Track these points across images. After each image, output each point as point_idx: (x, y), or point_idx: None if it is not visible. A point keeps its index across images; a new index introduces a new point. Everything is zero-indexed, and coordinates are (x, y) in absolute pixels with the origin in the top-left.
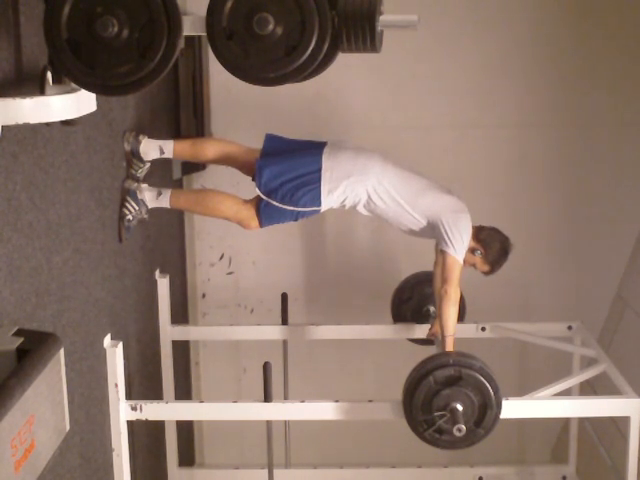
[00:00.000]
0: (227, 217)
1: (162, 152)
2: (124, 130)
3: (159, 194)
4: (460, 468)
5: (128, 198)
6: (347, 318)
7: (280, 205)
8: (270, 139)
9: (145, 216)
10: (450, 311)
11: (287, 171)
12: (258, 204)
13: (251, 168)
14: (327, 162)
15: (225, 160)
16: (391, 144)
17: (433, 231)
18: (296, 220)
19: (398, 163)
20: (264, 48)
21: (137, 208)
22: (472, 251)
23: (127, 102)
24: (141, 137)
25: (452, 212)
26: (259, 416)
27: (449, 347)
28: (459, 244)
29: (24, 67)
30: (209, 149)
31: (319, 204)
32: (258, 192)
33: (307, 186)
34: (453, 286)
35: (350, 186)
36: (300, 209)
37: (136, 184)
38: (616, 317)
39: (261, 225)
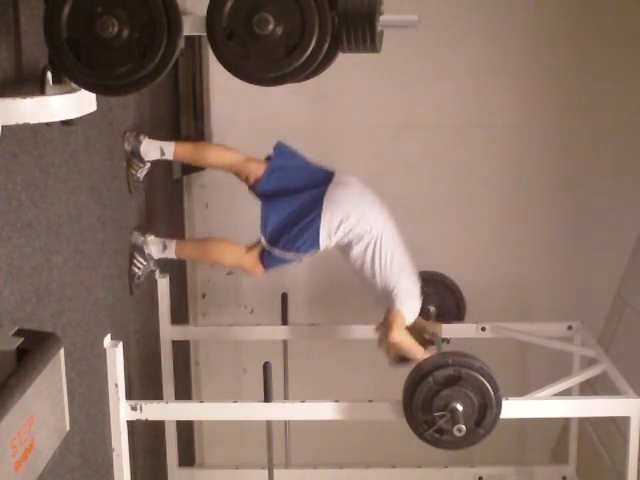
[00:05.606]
0: (231, 266)
1: (163, 153)
2: (125, 130)
3: (164, 248)
4: (460, 468)
5: (136, 254)
6: (347, 318)
7: (282, 252)
8: (279, 154)
9: (154, 268)
10: (404, 340)
11: (290, 223)
12: (261, 252)
13: (249, 176)
14: (328, 205)
15: (224, 167)
16: (391, 144)
17: (385, 300)
18: (299, 260)
19: (394, 216)
20: (264, 48)
21: (145, 263)
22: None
23: (127, 102)
24: (142, 137)
25: (409, 299)
26: (259, 416)
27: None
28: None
29: (24, 67)
30: (210, 154)
31: (318, 246)
32: (262, 240)
33: (307, 231)
34: (394, 330)
35: (348, 231)
36: (301, 253)
37: (142, 238)
38: (616, 317)
39: (265, 271)
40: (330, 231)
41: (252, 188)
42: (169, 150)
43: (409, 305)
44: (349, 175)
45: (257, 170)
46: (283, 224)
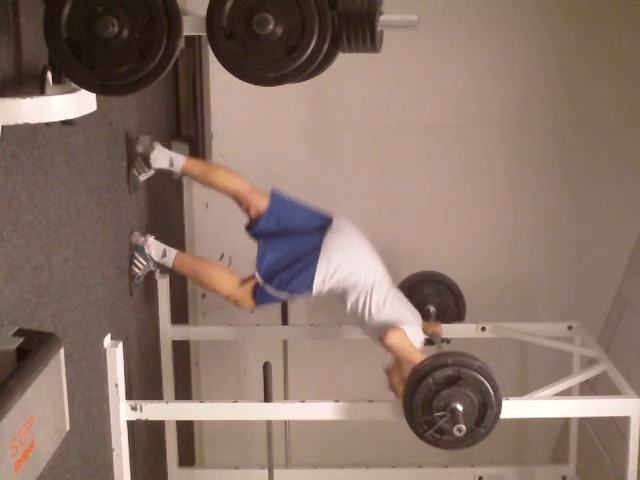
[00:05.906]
0: (223, 296)
1: (171, 164)
2: (137, 133)
3: (164, 255)
4: (460, 468)
5: (136, 254)
6: (347, 318)
7: (275, 291)
8: (276, 202)
9: (154, 268)
10: (402, 343)
11: (286, 264)
12: (254, 287)
13: (250, 208)
14: (325, 252)
15: (228, 192)
16: (391, 144)
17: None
18: (292, 300)
19: (394, 217)
20: (264, 48)
21: (145, 264)
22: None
23: (127, 102)
24: (155, 144)
25: (409, 326)
26: (259, 416)
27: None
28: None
29: (24, 67)
30: (217, 177)
31: (311, 290)
32: (257, 276)
33: (302, 273)
34: (390, 333)
35: (343, 278)
36: (294, 294)
37: (143, 238)
38: (616, 317)
39: (255, 306)
40: (325, 277)
41: (249, 226)
42: (178, 163)
43: (409, 331)
44: (346, 221)
45: (259, 203)
46: (279, 264)
